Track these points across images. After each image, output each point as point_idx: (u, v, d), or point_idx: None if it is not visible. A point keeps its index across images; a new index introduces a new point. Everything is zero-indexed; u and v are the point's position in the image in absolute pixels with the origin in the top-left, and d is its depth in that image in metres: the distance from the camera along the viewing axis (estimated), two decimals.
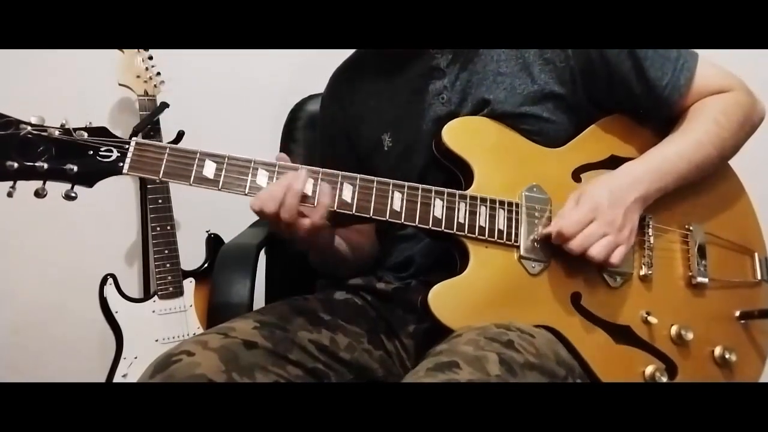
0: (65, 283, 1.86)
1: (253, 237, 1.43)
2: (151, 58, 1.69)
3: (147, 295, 1.72)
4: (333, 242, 1.12)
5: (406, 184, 0.95)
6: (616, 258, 0.96)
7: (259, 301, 1.28)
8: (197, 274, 1.75)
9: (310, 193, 0.92)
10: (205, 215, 1.77)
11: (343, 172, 0.94)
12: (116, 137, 0.89)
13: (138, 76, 1.67)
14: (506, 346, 0.85)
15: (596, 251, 0.94)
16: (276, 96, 1.69)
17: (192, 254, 1.76)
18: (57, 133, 0.86)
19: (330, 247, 1.12)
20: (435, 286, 0.93)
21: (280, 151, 1.48)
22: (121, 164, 0.88)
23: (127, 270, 1.86)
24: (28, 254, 1.86)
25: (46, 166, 0.86)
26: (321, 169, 0.94)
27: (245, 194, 0.91)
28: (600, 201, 0.96)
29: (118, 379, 1.63)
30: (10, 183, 0.86)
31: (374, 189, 0.94)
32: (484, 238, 0.96)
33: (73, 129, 0.87)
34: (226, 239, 1.54)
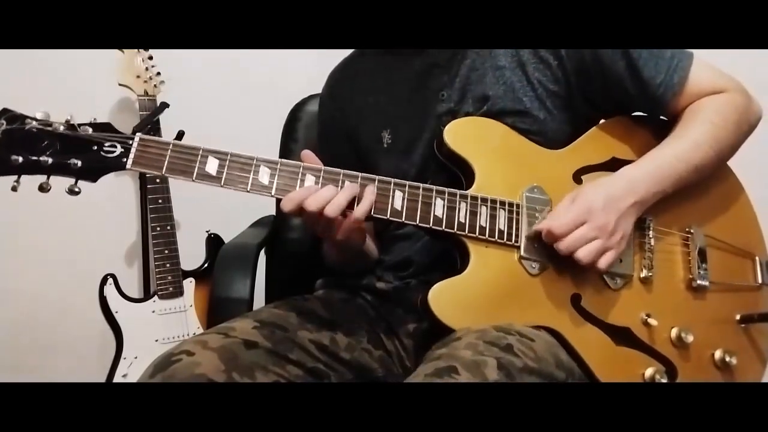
0: (65, 283, 1.86)
1: (253, 237, 1.43)
2: (151, 58, 1.69)
3: (147, 295, 1.72)
4: (364, 243, 1.11)
5: (407, 183, 0.95)
6: (603, 263, 0.95)
7: (259, 300, 1.28)
8: (197, 274, 1.75)
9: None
10: (205, 215, 1.77)
11: (345, 170, 0.94)
12: (120, 133, 0.89)
13: (138, 76, 1.68)
14: (505, 351, 0.85)
15: (583, 254, 0.94)
16: (276, 96, 1.69)
17: (192, 254, 1.76)
18: (62, 128, 0.87)
19: (360, 248, 1.11)
20: (435, 285, 0.93)
21: (280, 151, 1.49)
22: (125, 160, 0.88)
23: (127, 270, 1.86)
24: (29, 254, 1.86)
25: (50, 160, 0.86)
26: (323, 167, 0.93)
27: (247, 191, 0.91)
28: (594, 204, 0.95)
29: (118, 379, 1.64)
30: (15, 177, 0.86)
31: (375, 187, 0.94)
32: (484, 238, 0.96)
33: (78, 124, 0.87)
34: (226, 239, 1.54)
